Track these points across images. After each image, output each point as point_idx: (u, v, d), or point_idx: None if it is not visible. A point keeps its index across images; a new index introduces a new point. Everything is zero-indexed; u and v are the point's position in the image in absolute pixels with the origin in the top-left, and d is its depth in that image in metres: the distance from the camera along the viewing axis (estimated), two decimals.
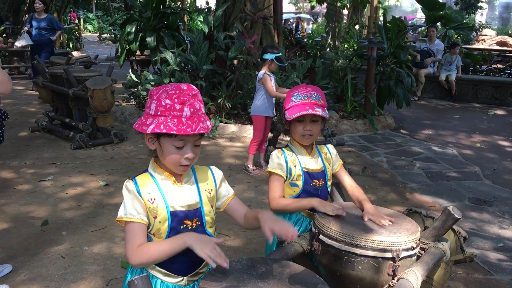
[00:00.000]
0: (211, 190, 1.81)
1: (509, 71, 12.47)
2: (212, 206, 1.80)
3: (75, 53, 13.19)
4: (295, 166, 2.30)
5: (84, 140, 6.09)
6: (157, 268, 1.72)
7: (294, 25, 24.32)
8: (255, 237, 3.81)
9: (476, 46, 15.97)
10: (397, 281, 1.85)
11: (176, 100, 1.58)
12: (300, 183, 2.29)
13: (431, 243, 2.10)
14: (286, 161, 2.30)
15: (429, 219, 2.32)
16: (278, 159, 2.31)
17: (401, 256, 1.86)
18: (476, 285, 3.32)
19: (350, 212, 2.12)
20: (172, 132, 1.56)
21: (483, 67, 12.78)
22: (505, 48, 15.45)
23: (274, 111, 5.40)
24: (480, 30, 20.02)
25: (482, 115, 9.65)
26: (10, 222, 3.95)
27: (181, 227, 1.70)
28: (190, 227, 1.72)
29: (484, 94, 10.90)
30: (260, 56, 5.35)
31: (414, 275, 1.83)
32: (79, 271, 3.23)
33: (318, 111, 2.19)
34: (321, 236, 1.98)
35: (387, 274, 1.88)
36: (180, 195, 1.72)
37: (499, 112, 9.99)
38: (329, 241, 1.94)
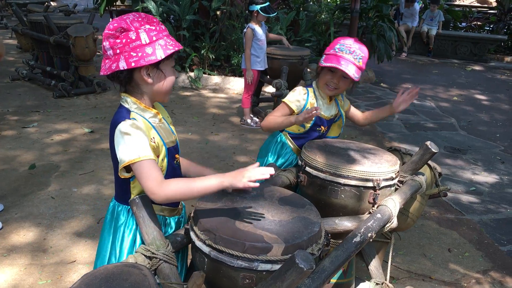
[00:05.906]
0: (171, 122, 1.76)
1: (488, 28, 12.60)
2: None
3: (52, 3, 12.76)
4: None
5: (67, 88, 6.06)
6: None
7: None
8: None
9: (457, 3, 16.01)
10: (377, 207, 1.99)
11: (154, 21, 1.51)
12: (308, 125, 2.36)
13: (409, 176, 2.24)
14: (306, 101, 2.34)
15: (408, 156, 2.45)
16: (299, 96, 2.35)
17: (381, 185, 2.00)
18: (448, 224, 3.54)
19: (334, 145, 2.24)
20: (178, 49, 1.51)
21: (463, 24, 12.89)
22: (485, 5, 15.53)
23: (266, 64, 5.24)
24: None
25: (460, 70, 9.83)
26: None
27: (174, 161, 1.69)
28: (177, 162, 1.71)
29: (463, 50, 11.06)
30: (247, 8, 5.13)
31: (392, 202, 1.97)
32: (70, 211, 3.33)
33: (350, 71, 2.19)
34: (307, 168, 2.10)
35: (368, 202, 2.02)
36: (166, 131, 1.66)
37: (477, 68, 10.19)
38: (314, 172, 2.06)
